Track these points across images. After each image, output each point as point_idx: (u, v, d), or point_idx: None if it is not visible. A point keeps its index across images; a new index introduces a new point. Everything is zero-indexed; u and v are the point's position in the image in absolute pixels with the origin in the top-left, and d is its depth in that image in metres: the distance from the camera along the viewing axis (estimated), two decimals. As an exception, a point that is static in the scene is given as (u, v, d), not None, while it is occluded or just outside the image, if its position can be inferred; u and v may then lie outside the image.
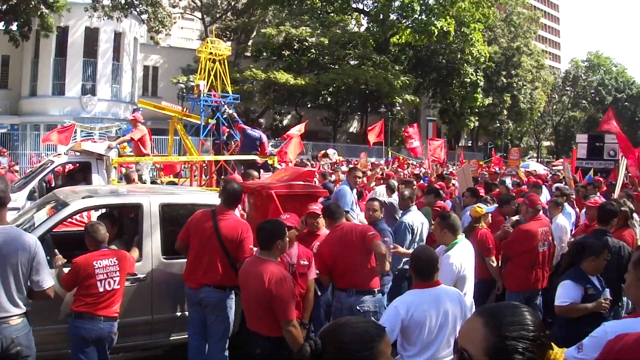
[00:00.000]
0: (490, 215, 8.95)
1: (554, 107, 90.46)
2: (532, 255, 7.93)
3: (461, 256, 5.97)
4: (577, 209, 11.91)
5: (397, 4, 55.30)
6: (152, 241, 6.79)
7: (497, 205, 9.96)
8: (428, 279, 4.74)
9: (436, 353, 4.57)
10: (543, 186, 15.01)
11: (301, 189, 7.64)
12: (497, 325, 1.90)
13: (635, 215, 8.90)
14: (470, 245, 6.47)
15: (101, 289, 5.70)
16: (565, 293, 5.50)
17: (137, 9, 41.77)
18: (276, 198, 7.26)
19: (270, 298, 5.03)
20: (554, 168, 36.88)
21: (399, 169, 23.56)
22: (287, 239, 5.51)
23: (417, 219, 8.68)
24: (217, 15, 57.28)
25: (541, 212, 8.74)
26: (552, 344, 1.97)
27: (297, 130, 19.20)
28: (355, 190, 9.96)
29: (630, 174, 15.90)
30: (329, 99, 54.76)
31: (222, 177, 13.80)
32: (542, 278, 8.14)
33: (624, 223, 8.07)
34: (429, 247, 5.49)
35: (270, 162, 14.57)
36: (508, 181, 15.44)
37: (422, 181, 15.77)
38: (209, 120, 26.01)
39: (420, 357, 4.59)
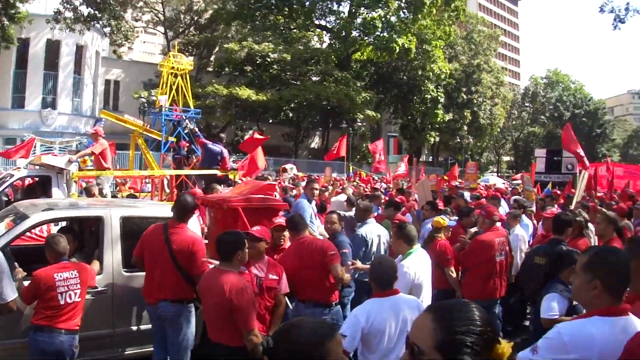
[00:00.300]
0: (450, 228, 9.13)
1: (514, 122, 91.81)
2: (489, 265, 8.10)
3: (416, 265, 6.12)
4: (535, 221, 12.18)
5: (359, 21, 55.79)
6: (113, 254, 6.79)
7: (457, 218, 10.16)
8: (387, 287, 4.87)
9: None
10: (502, 199, 15.32)
11: (260, 202, 7.69)
12: (446, 321, 1.99)
13: (590, 225, 9.14)
14: (427, 254, 6.67)
15: (62, 302, 5.67)
16: (552, 306, 5.66)
17: (100, 22, 41.46)
18: (241, 211, 7.33)
19: (231, 308, 5.09)
20: (513, 182, 37.37)
21: (361, 184, 23.69)
22: (247, 250, 5.56)
23: (373, 231, 8.76)
24: (180, 30, 57.06)
25: (499, 223, 8.94)
26: (499, 338, 2.04)
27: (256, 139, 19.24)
28: (314, 203, 10.05)
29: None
30: (290, 115, 54.76)
31: (183, 191, 13.79)
32: (500, 287, 8.32)
33: (579, 233, 8.32)
34: (387, 257, 5.63)
35: (231, 176, 14.58)
36: (466, 194, 15.69)
37: (384, 196, 15.93)
38: (169, 138, 25.89)
39: None
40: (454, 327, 1.97)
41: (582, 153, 17.49)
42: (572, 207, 12.54)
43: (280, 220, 7.59)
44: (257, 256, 6.08)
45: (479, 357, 1.94)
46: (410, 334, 2.08)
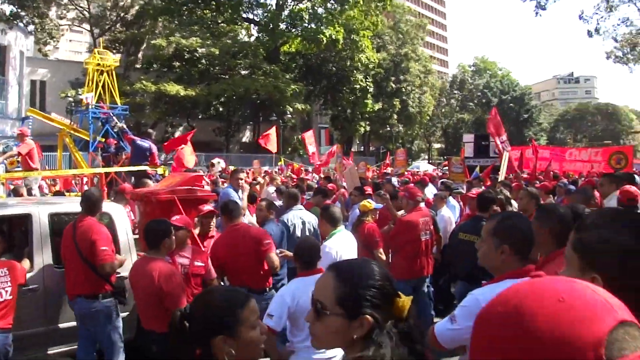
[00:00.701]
0: (377, 211, 9.37)
1: (443, 110, 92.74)
2: (415, 245, 8.40)
3: (338, 245, 6.38)
4: (462, 203, 12.52)
5: (286, 13, 55.78)
6: (43, 251, 6.77)
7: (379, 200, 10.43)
8: (310, 266, 5.05)
9: (323, 337, 4.77)
10: (430, 183, 15.77)
11: (187, 193, 7.80)
12: (346, 277, 2.15)
13: (513, 202, 9.49)
14: (351, 236, 6.99)
15: None
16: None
17: (24, 21, 40.56)
18: (177, 201, 7.45)
19: (161, 294, 5.22)
20: (444, 168, 37.98)
21: (293, 175, 23.84)
22: (174, 237, 5.71)
23: (296, 216, 8.93)
24: (106, 27, 56.10)
25: (423, 204, 9.24)
26: (399, 292, 2.19)
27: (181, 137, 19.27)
28: (240, 192, 10.20)
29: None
30: (220, 110, 54.54)
31: (113, 188, 13.78)
32: (427, 265, 8.66)
33: (502, 210, 8.63)
34: (310, 237, 5.88)
35: (160, 172, 14.61)
36: (394, 180, 16.02)
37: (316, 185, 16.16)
38: (97, 137, 25.61)
39: (309, 341, 4.81)
40: (354, 282, 2.12)
41: (504, 137, 18.01)
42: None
43: (209, 207, 7.76)
44: (181, 245, 6.20)
45: (379, 311, 2.09)
46: (314, 292, 2.22)
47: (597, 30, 39.47)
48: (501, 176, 14.75)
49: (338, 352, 2.46)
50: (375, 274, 2.18)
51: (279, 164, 30.88)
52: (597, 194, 10.21)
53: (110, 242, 6.51)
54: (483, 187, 12.63)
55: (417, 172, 29.34)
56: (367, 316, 2.08)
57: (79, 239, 6.37)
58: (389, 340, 2.06)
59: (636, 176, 13.03)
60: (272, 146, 23.35)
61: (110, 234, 6.71)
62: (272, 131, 24.17)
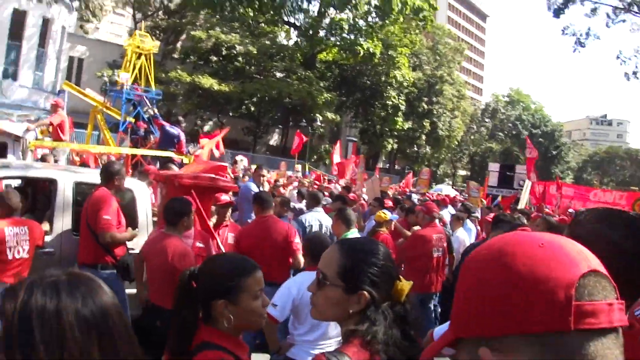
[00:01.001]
0: (393, 222, 9.45)
1: (472, 137, 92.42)
2: (426, 259, 8.46)
3: None
4: (479, 228, 12.53)
5: (327, 21, 55.96)
6: (64, 217, 6.86)
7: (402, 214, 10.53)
8: (317, 261, 5.08)
9: (325, 333, 4.83)
10: (449, 205, 15.85)
11: (209, 181, 7.91)
12: (350, 252, 2.26)
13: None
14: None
15: (10, 257, 5.73)
16: None
17: (69, -4, 40.93)
18: (184, 187, 7.53)
19: (174, 272, 5.17)
20: (465, 195, 37.94)
21: (316, 182, 23.93)
22: (192, 217, 5.84)
23: (314, 218, 9.00)
24: (149, 13, 56.63)
25: (438, 221, 9.32)
26: (400, 277, 2.31)
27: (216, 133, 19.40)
28: (261, 188, 10.31)
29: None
30: (251, 109, 54.73)
31: (137, 169, 13.92)
32: (436, 282, 8.69)
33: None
34: (320, 234, 5.97)
35: (186, 160, 14.74)
36: (415, 197, 16.09)
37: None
38: (127, 118, 25.84)
39: (310, 335, 4.87)
40: (357, 257, 2.23)
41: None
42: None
43: (225, 197, 7.87)
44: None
45: (377, 289, 2.19)
46: (319, 264, 2.33)
47: (635, 74, 39.12)
48: (521, 204, 14.79)
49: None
50: (379, 253, 2.28)
51: (297, 167, 30.84)
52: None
53: (115, 213, 6.46)
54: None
55: (439, 194, 29.32)
56: (365, 292, 2.17)
57: (86, 206, 6.47)
58: (383, 319, 2.15)
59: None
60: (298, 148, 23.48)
61: (122, 208, 6.79)
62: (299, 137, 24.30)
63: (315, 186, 19.55)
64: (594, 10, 37.36)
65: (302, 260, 6.76)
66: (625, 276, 1.81)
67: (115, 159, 16.32)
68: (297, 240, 6.92)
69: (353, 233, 6.86)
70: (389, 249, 6.98)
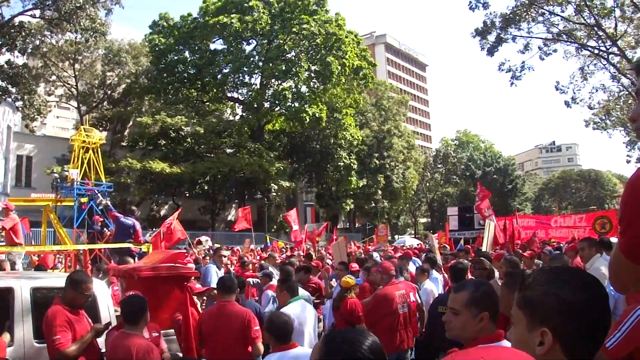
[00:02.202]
0: (358, 286, 9.48)
1: (427, 184, 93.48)
2: (392, 318, 8.40)
3: (295, 311, 6.67)
4: (446, 275, 12.63)
5: (270, 92, 56.58)
6: (24, 325, 6.68)
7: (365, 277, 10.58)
8: (285, 341, 5.10)
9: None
10: (414, 257, 15.95)
11: (168, 270, 7.88)
12: (330, 343, 2.27)
13: (497, 273, 9.65)
14: (309, 306, 7.40)
15: None
16: None
17: (12, 96, 40.79)
18: (144, 280, 7.50)
19: None
20: (428, 242, 38.09)
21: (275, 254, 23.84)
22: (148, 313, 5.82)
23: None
24: (93, 104, 56.66)
25: (402, 278, 9.38)
26: None
27: (171, 218, 19.35)
28: (222, 270, 10.31)
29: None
30: (206, 188, 54.77)
31: (96, 265, 13.81)
32: (407, 338, 8.61)
33: (488, 278, 8.75)
34: (282, 313, 5.94)
35: (144, 249, 14.65)
36: (375, 255, 16.15)
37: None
38: (82, 200, 25.70)
39: None
40: (336, 348, 2.23)
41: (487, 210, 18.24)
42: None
43: (198, 286, 7.89)
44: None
45: None
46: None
47: (574, 100, 40.34)
48: (485, 247, 14.92)
49: None
50: (360, 344, 2.25)
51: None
52: (578, 260, 10.46)
53: (64, 326, 5.91)
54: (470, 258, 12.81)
55: (402, 246, 29.47)
56: None
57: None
58: None
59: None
60: (245, 224, 23.37)
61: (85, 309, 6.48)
62: (242, 212, 24.26)
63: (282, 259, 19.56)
64: (526, 46, 38.47)
65: (261, 348, 6.72)
66: (583, 332, 1.92)
67: (73, 256, 16.19)
68: (257, 328, 6.80)
69: (298, 299, 7.14)
70: (357, 314, 7.08)
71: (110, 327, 6.27)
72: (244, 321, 6.75)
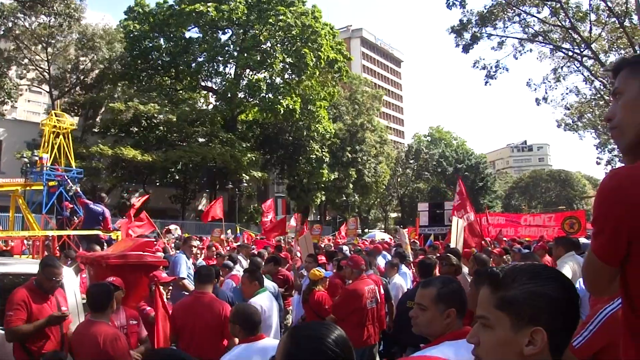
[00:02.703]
0: (327, 279, 9.49)
1: (399, 179, 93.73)
2: (361, 314, 8.40)
3: (264, 303, 6.81)
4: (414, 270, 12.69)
5: (244, 82, 56.41)
6: None
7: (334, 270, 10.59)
8: (252, 332, 5.09)
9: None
10: (383, 251, 16.02)
11: (137, 258, 7.86)
12: (295, 337, 2.31)
13: (465, 269, 9.71)
14: (271, 296, 7.55)
15: None
16: None
17: (-18, 79, 40.37)
18: (112, 267, 7.48)
19: (108, 358, 5.22)
20: (398, 238, 38.19)
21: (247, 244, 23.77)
22: (115, 299, 5.80)
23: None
24: (66, 89, 56.01)
25: (371, 272, 9.41)
26: None
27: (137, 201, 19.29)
28: (191, 260, 10.29)
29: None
30: (177, 177, 54.61)
31: (65, 251, 13.71)
32: (374, 334, 8.65)
33: (455, 274, 8.82)
34: (249, 305, 5.93)
35: (114, 236, 14.58)
36: (345, 248, 16.20)
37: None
38: (50, 184, 25.52)
39: None
40: (302, 341, 2.27)
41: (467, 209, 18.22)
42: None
43: (164, 274, 7.84)
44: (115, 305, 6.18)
45: None
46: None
47: (545, 99, 40.78)
48: (453, 243, 14.96)
49: None
50: (324, 338, 2.29)
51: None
52: (548, 258, 10.57)
53: (21, 305, 5.96)
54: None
55: (372, 240, 29.55)
56: None
57: None
58: None
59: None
60: (217, 212, 23.30)
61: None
62: (216, 203, 24.18)
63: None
64: (500, 44, 38.67)
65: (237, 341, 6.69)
66: (565, 329, 1.94)
67: (41, 242, 16.08)
68: None
69: (264, 291, 7.27)
70: (325, 307, 7.12)
71: (66, 317, 6.24)
72: (221, 314, 6.68)
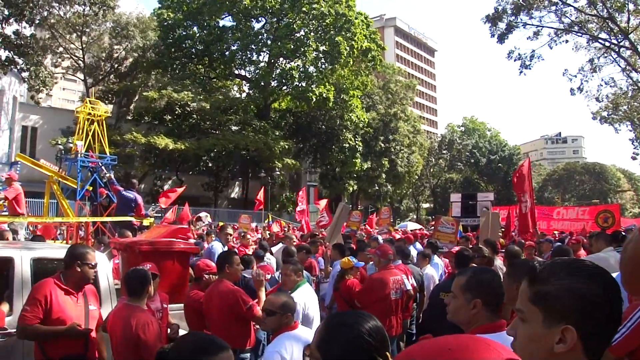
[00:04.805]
0: (359, 269, 9.43)
1: (432, 170, 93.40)
2: (384, 303, 8.34)
3: (305, 297, 6.71)
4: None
5: (277, 71, 56.47)
6: (23, 296, 6.53)
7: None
8: (291, 322, 5.05)
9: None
10: (416, 242, 15.96)
11: (167, 245, 7.87)
12: (327, 327, 2.34)
13: (498, 261, 9.62)
14: (312, 289, 7.41)
15: None
16: None
17: (18, 67, 40.74)
18: (145, 254, 7.52)
19: (138, 343, 5.24)
20: (431, 227, 38.01)
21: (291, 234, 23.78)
22: (151, 285, 5.81)
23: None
24: (100, 77, 56.48)
25: (399, 262, 9.34)
26: (387, 353, 2.32)
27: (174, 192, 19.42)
28: (226, 247, 10.30)
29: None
30: (210, 164, 54.92)
31: (98, 237, 13.81)
32: (396, 325, 8.58)
33: (488, 265, 8.73)
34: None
35: (146, 223, 14.64)
36: (380, 238, 16.11)
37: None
38: (84, 186, 25.71)
39: None
40: (336, 332, 2.29)
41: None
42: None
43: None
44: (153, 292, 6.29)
45: None
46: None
47: (580, 89, 40.22)
48: (489, 234, 14.78)
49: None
50: (360, 329, 2.30)
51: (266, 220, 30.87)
52: (583, 252, 10.41)
53: (37, 301, 5.59)
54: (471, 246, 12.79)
55: (404, 230, 29.42)
56: None
57: None
58: None
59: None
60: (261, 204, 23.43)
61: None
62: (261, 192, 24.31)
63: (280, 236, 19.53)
64: (536, 34, 38.24)
65: (259, 315, 6.53)
66: (601, 329, 1.85)
67: (75, 228, 16.19)
68: (249, 304, 6.66)
69: (305, 283, 7.17)
70: (355, 294, 7.05)
71: (88, 332, 5.71)
72: (230, 301, 6.72)
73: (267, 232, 24.43)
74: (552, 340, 1.82)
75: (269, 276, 9.29)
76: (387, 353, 2.31)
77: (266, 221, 31.01)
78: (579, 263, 1.97)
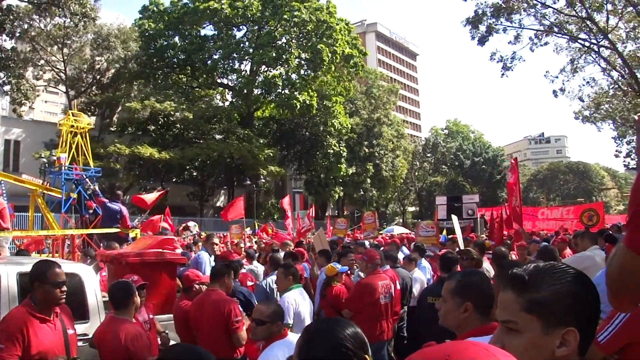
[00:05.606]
0: (343, 275, 9.44)
1: (416, 173, 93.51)
2: (374, 308, 8.32)
3: (296, 297, 6.90)
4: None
5: (260, 79, 56.52)
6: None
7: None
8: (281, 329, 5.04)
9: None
10: (403, 246, 15.95)
11: (155, 256, 7.85)
12: (309, 335, 2.34)
13: (485, 264, 9.65)
14: (305, 293, 7.42)
15: None
16: None
17: (0, 80, 40.58)
18: (132, 265, 7.49)
19: (127, 356, 5.21)
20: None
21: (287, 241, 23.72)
22: (137, 297, 5.79)
23: (274, 281, 8.98)
24: (82, 89, 56.26)
25: (387, 267, 9.34)
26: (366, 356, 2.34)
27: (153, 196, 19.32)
28: (213, 257, 10.28)
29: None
30: (194, 174, 54.89)
31: (84, 250, 13.75)
32: (387, 329, 8.56)
33: (476, 267, 8.75)
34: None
35: (132, 234, 14.59)
36: (367, 244, 16.12)
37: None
38: (70, 194, 25.59)
39: None
40: (316, 340, 2.30)
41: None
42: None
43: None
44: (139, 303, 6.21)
45: None
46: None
47: (562, 90, 40.48)
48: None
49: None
50: (340, 337, 2.31)
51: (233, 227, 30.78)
52: (569, 251, 10.45)
53: (13, 337, 4.86)
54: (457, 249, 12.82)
55: (391, 235, 29.41)
56: None
57: None
58: None
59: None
60: (237, 213, 23.10)
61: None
62: (236, 202, 23.92)
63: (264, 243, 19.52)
64: (517, 37, 38.44)
65: (241, 338, 6.54)
66: (590, 327, 1.87)
67: (60, 241, 16.10)
68: (237, 319, 6.55)
69: (298, 287, 7.26)
70: (343, 301, 7.09)
71: None
72: (223, 311, 6.60)
73: (260, 241, 24.34)
74: (552, 346, 1.81)
75: (250, 283, 9.36)
76: (367, 356, 2.33)
77: (247, 229, 30.90)
78: (559, 266, 1.97)
